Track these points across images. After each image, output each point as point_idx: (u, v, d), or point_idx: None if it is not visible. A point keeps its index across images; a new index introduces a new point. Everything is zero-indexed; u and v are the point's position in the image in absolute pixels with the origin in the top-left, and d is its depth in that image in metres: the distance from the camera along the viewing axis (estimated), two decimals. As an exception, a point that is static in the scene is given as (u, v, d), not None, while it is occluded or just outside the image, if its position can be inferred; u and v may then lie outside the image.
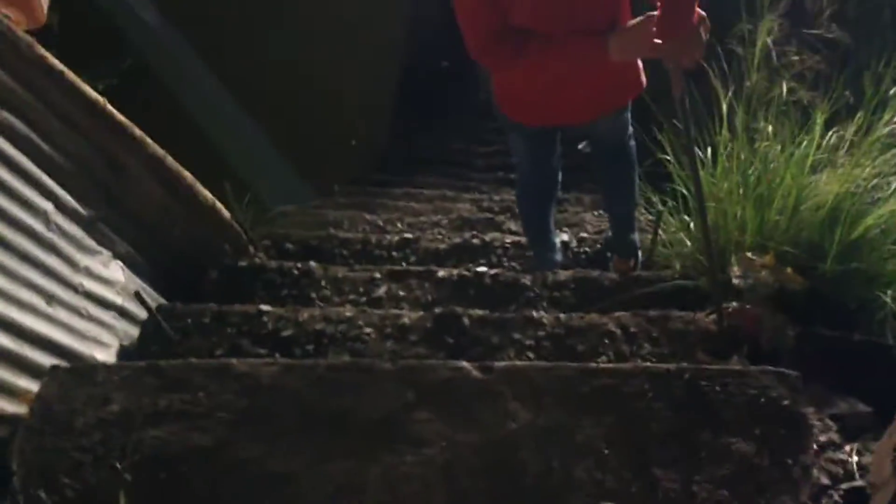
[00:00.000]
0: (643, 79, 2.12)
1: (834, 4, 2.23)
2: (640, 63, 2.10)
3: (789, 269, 2.11)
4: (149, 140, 2.14)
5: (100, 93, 2.01)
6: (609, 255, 2.65)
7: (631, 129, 2.35)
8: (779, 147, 2.24)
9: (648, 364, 1.58)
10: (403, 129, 6.06)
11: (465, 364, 1.58)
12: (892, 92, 2.22)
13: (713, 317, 1.95)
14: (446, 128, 6.17)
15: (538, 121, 2.13)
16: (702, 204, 1.83)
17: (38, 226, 1.80)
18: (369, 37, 5.56)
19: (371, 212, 3.49)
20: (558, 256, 2.59)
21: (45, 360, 1.71)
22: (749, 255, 2.15)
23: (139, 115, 2.17)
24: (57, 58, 1.87)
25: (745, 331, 2.00)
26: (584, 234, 2.88)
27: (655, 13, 1.71)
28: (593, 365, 1.56)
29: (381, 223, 3.27)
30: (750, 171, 2.21)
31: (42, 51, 1.82)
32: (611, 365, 1.58)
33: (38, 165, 1.82)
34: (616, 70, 1.95)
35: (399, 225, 3.25)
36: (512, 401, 1.51)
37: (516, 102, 2.12)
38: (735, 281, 2.10)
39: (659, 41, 1.69)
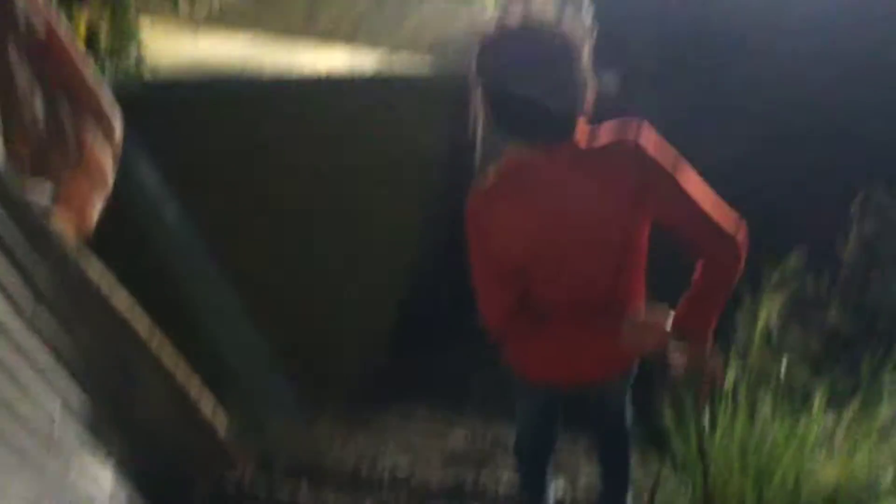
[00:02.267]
0: None
1: (837, 294, 2.37)
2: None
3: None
4: (165, 353, 2.17)
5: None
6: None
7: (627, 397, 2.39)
8: (778, 425, 2.29)
9: None
10: (399, 353, 6.09)
11: None
12: (888, 382, 2.30)
13: None
14: (442, 355, 6.21)
15: (547, 380, 2.16)
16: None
17: (43, 425, 1.79)
18: (373, 259, 5.75)
19: (362, 435, 3.45)
20: (552, 507, 2.54)
21: (22, 569, 1.64)
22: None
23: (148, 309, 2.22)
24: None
25: None
26: (581, 482, 2.84)
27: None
28: None
29: (371, 449, 3.23)
30: (750, 447, 2.23)
31: (85, 262, 1.91)
32: None
33: (58, 364, 1.85)
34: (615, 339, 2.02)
35: (389, 453, 3.20)
36: None
37: (526, 362, 2.16)
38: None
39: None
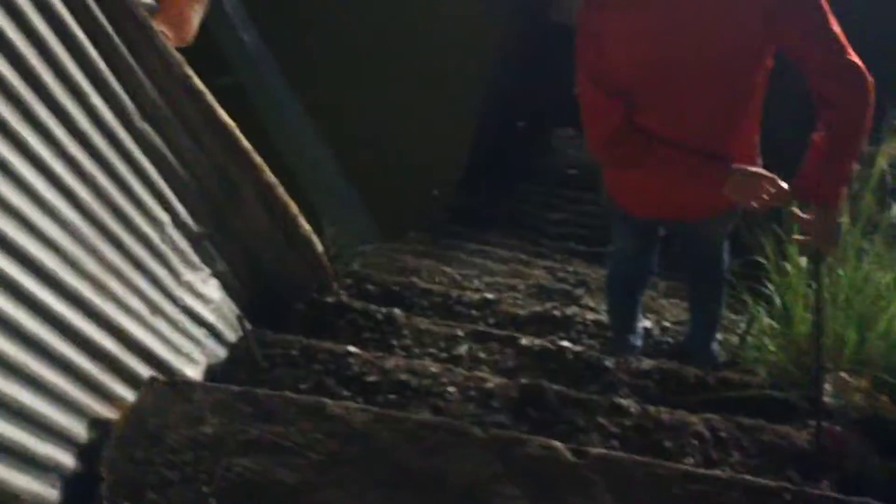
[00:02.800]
0: None
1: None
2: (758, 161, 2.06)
3: (884, 397, 2.06)
4: (265, 167, 2.18)
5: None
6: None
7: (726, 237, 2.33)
8: (886, 272, 2.21)
9: (748, 477, 1.53)
10: (476, 185, 6.09)
11: (558, 444, 1.56)
12: None
13: (807, 435, 1.89)
14: (518, 189, 6.20)
15: (647, 213, 2.12)
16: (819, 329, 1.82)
17: (154, 236, 1.84)
18: (452, 89, 5.65)
19: (447, 264, 3.50)
20: (639, 342, 2.56)
21: (141, 369, 1.73)
22: (844, 375, 2.11)
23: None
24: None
25: (832, 453, 1.95)
26: (666, 324, 2.84)
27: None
28: (691, 468, 1.53)
29: (458, 278, 3.27)
30: (854, 291, 2.17)
31: (188, 70, 1.89)
32: (709, 471, 1.54)
33: (164, 178, 1.87)
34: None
35: (476, 282, 3.24)
36: (604, 491, 1.48)
37: (627, 193, 2.11)
38: (827, 400, 2.05)
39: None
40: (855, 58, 1.67)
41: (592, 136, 1.88)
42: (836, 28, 1.67)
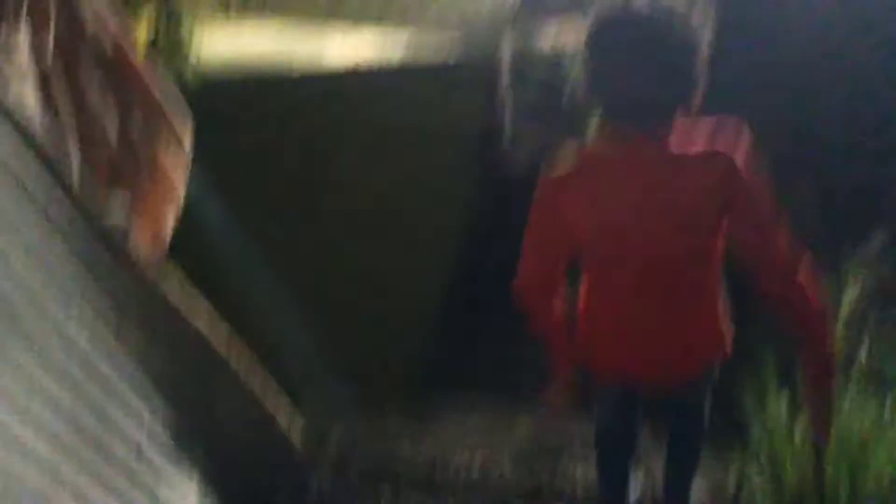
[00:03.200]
0: (728, 341, 2.04)
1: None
2: (724, 321, 2.03)
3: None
4: (243, 366, 2.19)
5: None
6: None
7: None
8: (864, 413, 2.22)
9: None
10: (452, 339, 6.06)
11: None
12: None
13: None
14: (494, 339, 6.16)
15: (621, 378, 2.11)
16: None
17: (129, 458, 1.81)
18: (422, 245, 5.71)
19: (427, 431, 3.44)
20: (634, 498, 2.49)
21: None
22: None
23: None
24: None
25: None
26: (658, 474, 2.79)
27: None
28: None
29: (442, 443, 3.21)
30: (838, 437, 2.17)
31: (169, 284, 1.93)
32: None
33: (138, 396, 1.86)
34: (693, 335, 1.95)
35: (459, 449, 3.18)
36: None
37: (596, 358, 2.11)
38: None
39: None
40: (803, 278, 1.72)
41: (520, 270, 1.95)
42: (789, 243, 1.72)
